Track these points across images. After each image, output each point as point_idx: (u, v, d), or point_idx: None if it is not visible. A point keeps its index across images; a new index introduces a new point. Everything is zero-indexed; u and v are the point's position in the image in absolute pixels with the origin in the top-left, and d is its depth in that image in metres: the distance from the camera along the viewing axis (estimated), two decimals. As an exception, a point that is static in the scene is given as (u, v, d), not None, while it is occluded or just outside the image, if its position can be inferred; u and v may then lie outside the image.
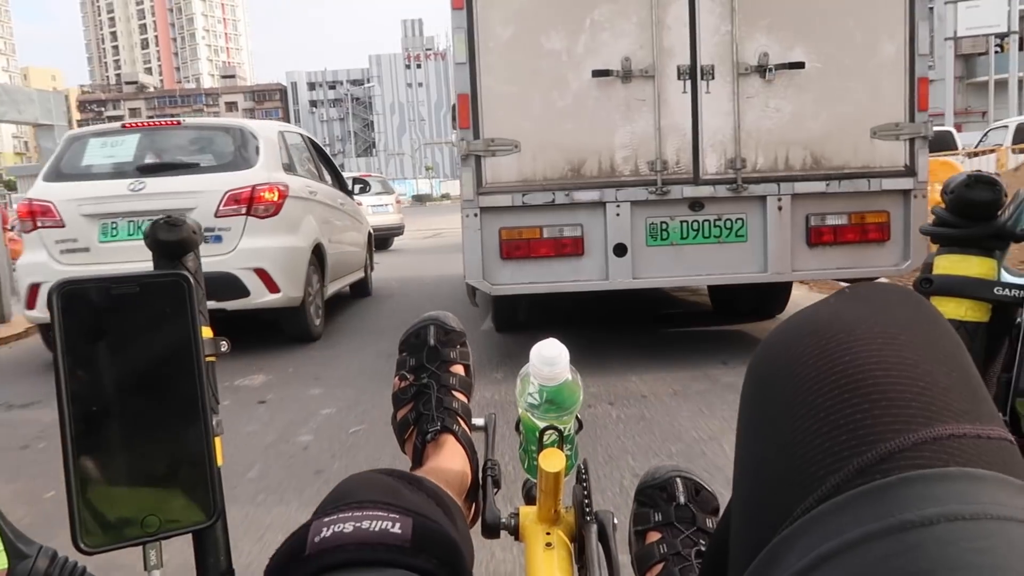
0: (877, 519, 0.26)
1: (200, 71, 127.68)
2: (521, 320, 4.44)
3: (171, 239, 0.46)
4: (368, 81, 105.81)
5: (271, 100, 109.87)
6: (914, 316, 0.36)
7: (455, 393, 0.71)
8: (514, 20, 3.17)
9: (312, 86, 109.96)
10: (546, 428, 0.55)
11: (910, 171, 3.50)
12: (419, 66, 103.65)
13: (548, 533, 0.56)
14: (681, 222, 3.41)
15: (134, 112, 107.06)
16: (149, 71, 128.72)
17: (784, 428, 0.33)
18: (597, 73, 3.20)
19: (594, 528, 0.53)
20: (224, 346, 0.46)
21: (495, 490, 0.64)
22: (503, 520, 0.59)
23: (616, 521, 0.55)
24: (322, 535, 0.43)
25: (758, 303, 4.47)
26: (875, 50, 3.43)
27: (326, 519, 0.44)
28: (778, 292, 4.34)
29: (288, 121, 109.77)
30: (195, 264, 0.48)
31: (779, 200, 3.39)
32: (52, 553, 0.39)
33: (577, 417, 0.60)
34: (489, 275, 3.31)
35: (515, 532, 0.58)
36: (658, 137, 3.29)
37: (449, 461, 0.66)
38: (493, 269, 3.31)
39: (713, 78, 3.32)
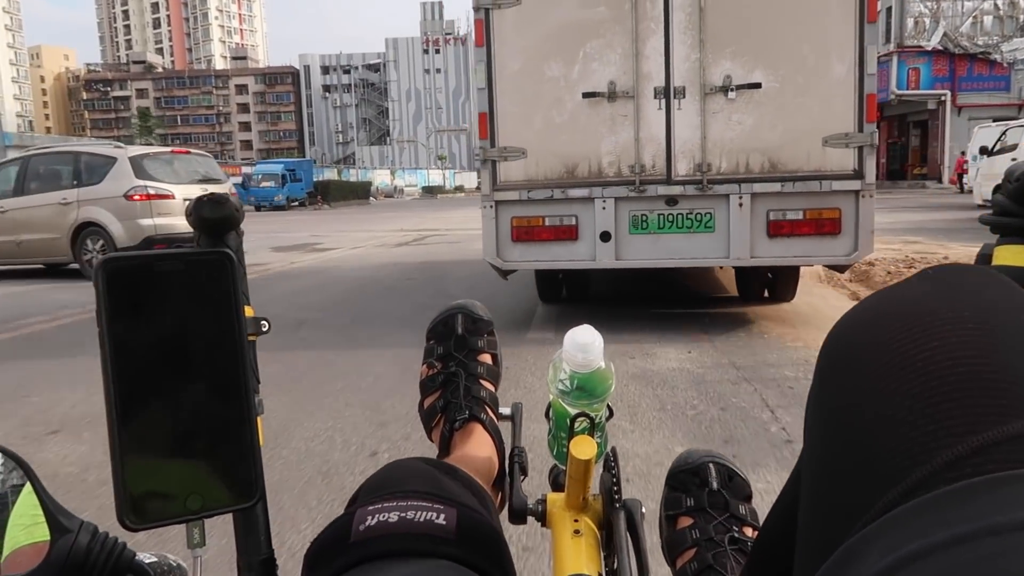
0: (966, 521, 0.28)
1: (212, 53, 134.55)
2: (563, 296, 6.08)
3: (215, 216, 0.54)
4: (383, 66, 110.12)
5: (283, 83, 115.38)
6: (1005, 300, 0.39)
7: (483, 382, 0.83)
8: (522, 54, 4.74)
9: (326, 70, 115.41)
10: (577, 415, 0.64)
11: (859, 174, 4.86)
12: (437, 51, 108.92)
13: (576, 520, 0.63)
14: (659, 215, 4.90)
15: (141, 93, 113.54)
16: (160, 51, 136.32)
17: (865, 415, 0.37)
18: (587, 95, 4.74)
19: (623, 515, 0.60)
20: (265, 326, 0.55)
21: (522, 477, 0.73)
22: (531, 506, 0.68)
23: (644, 510, 0.62)
24: (367, 523, 0.50)
25: (771, 289, 5.93)
26: (827, 71, 4.83)
27: (371, 508, 0.52)
28: (786, 280, 5.76)
29: (300, 107, 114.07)
30: (236, 242, 0.56)
31: (740, 198, 4.84)
32: (93, 528, 0.47)
33: (608, 405, 0.69)
34: (502, 254, 4.88)
35: (542, 518, 0.67)
36: (637, 146, 4.79)
37: (477, 449, 0.76)
38: (505, 249, 4.88)
39: (684, 97, 4.80)
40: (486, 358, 0.86)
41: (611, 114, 4.81)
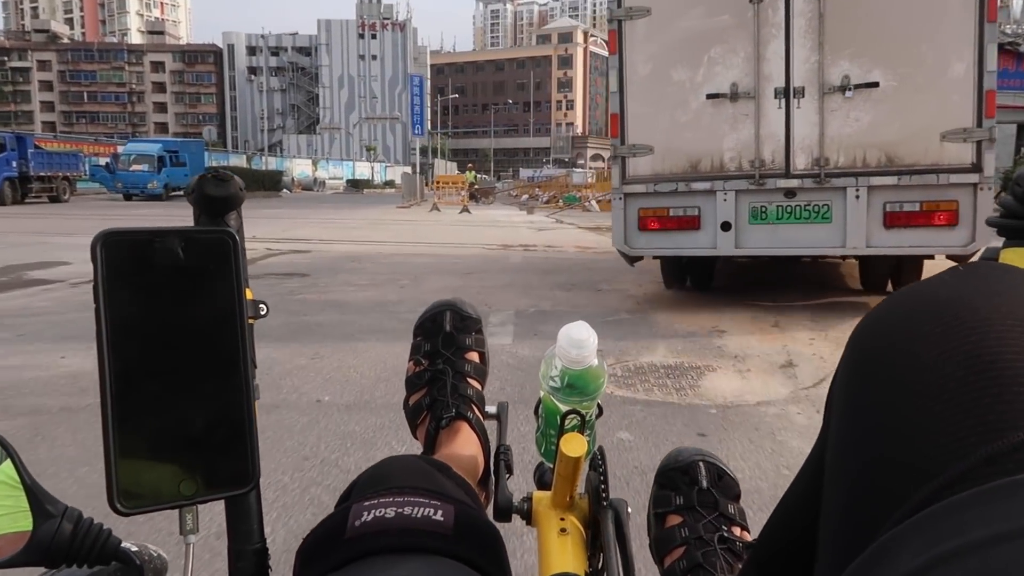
0: (1006, 519, 0.33)
1: (128, 26, 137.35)
2: (688, 284, 7.64)
3: (218, 195, 0.63)
4: (315, 50, 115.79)
5: (204, 63, 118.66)
6: None
7: (469, 380, 0.99)
8: (651, 60, 6.14)
9: (252, 51, 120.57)
10: (568, 412, 0.77)
11: (976, 168, 6.10)
12: (374, 36, 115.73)
13: (562, 519, 0.75)
14: (777, 206, 6.30)
15: (43, 65, 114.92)
16: (70, 21, 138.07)
17: (900, 409, 0.43)
18: (711, 96, 6.13)
19: (610, 515, 0.71)
20: (264, 309, 0.64)
21: (508, 475, 0.86)
22: (516, 504, 0.80)
23: (630, 510, 0.74)
24: (363, 519, 0.59)
25: (895, 281, 7.28)
26: (945, 69, 6.06)
27: (366, 503, 0.61)
28: (910, 272, 7.02)
29: (222, 89, 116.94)
30: (238, 222, 0.65)
31: (857, 191, 6.20)
32: (77, 515, 0.55)
33: (599, 403, 0.82)
34: (630, 241, 6.34)
35: (528, 517, 0.79)
36: (757, 142, 6.17)
37: (462, 448, 0.92)
38: (632, 237, 6.35)
39: (803, 96, 6.18)
40: (473, 356, 1.01)
41: (733, 113, 6.24)
